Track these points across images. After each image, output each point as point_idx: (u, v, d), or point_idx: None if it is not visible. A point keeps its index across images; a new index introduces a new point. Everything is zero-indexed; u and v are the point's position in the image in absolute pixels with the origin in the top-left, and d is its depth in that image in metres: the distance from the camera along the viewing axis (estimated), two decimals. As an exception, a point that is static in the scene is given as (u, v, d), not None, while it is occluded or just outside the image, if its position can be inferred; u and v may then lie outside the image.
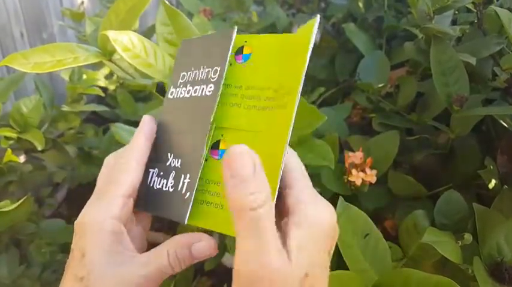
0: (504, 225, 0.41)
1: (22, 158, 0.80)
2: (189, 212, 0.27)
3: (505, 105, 0.52)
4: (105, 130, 0.95)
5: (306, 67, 0.25)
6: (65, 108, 0.79)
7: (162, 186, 0.29)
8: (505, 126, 0.50)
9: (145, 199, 0.30)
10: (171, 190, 0.28)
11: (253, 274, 0.22)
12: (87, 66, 0.49)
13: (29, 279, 0.67)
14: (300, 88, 0.25)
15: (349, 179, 0.53)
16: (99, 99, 1.15)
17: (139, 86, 0.50)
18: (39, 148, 0.65)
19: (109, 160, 0.30)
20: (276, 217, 0.23)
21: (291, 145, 0.26)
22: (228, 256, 0.51)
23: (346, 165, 0.54)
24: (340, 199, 0.41)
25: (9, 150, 0.64)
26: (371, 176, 0.52)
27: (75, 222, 0.27)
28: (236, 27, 0.30)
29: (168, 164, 0.29)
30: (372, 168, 0.53)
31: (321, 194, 0.27)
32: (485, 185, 0.50)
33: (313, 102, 0.73)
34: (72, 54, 0.43)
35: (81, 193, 0.90)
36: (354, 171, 0.52)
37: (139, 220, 0.31)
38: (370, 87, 0.64)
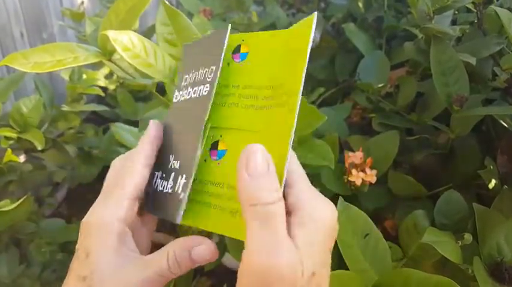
0: (504, 225, 0.41)
1: (22, 158, 0.80)
2: (182, 212, 0.27)
3: (505, 105, 0.52)
4: (105, 130, 0.95)
5: (306, 65, 0.25)
6: (65, 108, 0.79)
7: (164, 188, 0.29)
8: (505, 126, 0.50)
9: (150, 201, 0.30)
10: (170, 191, 0.28)
11: (264, 265, 0.22)
12: (87, 66, 0.49)
13: (29, 278, 0.67)
14: (301, 87, 0.25)
15: (349, 179, 0.53)
16: (99, 99, 1.15)
17: (139, 86, 0.50)
18: (39, 148, 0.65)
19: (116, 163, 0.31)
20: None
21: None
22: (228, 256, 0.51)
23: (346, 165, 0.53)
24: (340, 199, 0.41)
25: (9, 150, 0.64)
26: (371, 176, 0.52)
27: (82, 221, 0.28)
28: (230, 26, 0.29)
29: (170, 166, 0.29)
30: (371, 168, 0.53)
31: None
32: (485, 185, 0.50)
33: (313, 102, 0.73)
34: (72, 54, 0.43)
35: (81, 192, 0.90)
36: (354, 171, 0.52)
37: (144, 222, 0.31)
38: (370, 87, 0.64)
